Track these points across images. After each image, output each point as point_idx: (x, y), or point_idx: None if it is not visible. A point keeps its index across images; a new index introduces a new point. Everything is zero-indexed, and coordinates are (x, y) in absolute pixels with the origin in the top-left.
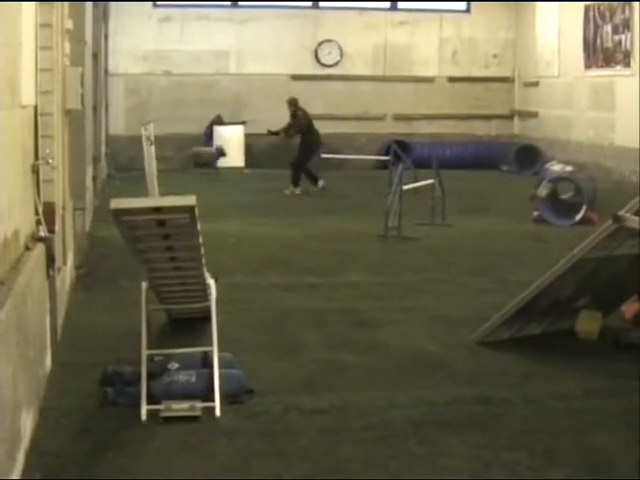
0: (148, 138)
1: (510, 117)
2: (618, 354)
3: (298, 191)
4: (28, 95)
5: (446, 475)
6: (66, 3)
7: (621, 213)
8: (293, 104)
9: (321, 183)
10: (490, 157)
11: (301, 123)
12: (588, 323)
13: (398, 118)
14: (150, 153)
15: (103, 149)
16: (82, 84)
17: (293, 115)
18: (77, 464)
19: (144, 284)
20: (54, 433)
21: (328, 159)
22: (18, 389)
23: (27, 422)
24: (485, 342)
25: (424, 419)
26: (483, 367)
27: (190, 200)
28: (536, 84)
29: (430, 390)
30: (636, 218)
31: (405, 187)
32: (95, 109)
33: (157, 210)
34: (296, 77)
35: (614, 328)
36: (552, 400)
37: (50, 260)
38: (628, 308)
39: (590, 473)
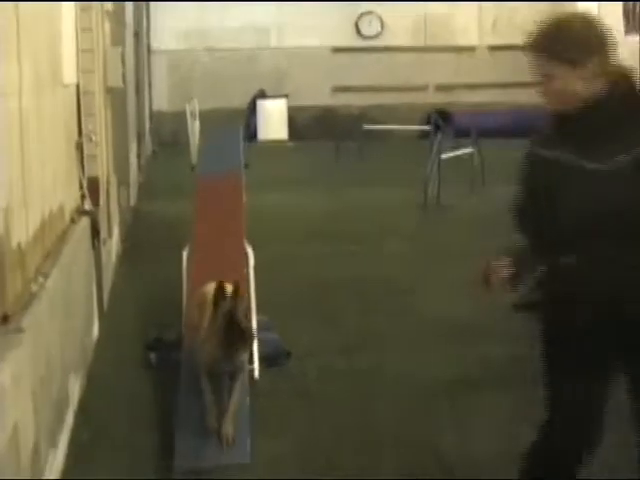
0: (192, 113)
1: None
2: None
3: None
4: (70, 74)
5: (475, 431)
6: None
7: None
8: None
9: None
10: (531, 125)
11: None
12: None
13: (439, 88)
14: (194, 128)
15: (147, 125)
16: (123, 63)
17: None
18: (122, 426)
19: (185, 253)
20: (100, 397)
21: (370, 130)
22: (66, 355)
23: (75, 386)
24: (519, 304)
25: (455, 379)
26: (515, 328)
27: None
28: None
29: (462, 351)
30: None
31: (444, 156)
32: (138, 86)
33: None
34: (337, 49)
35: None
36: None
37: (95, 232)
38: None
39: (617, 426)
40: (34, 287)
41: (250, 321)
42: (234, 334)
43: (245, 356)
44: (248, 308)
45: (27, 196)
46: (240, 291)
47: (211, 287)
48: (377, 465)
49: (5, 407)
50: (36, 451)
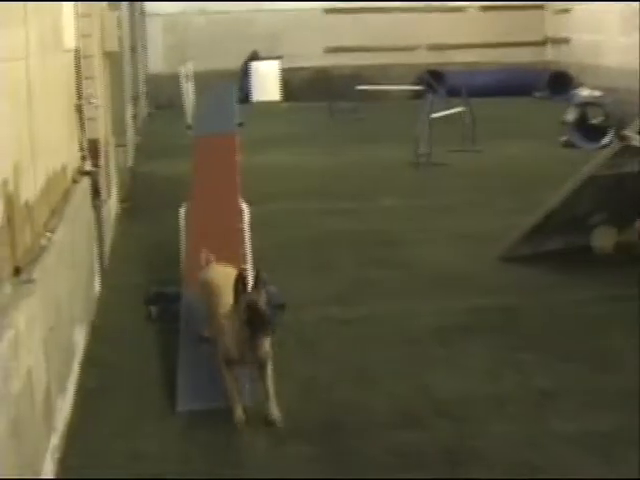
0: (187, 75)
1: (542, 44)
2: (632, 266)
3: None
4: (70, 39)
5: (462, 372)
6: None
7: (626, 132)
8: None
9: None
10: (523, 84)
11: None
12: (603, 238)
13: (432, 48)
14: (189, 89)
15: (143, 88)
16: (119, 27)
17: None
18: (126, 374)
19: (182, 210)
20: (105, 347)
21: (363, 91)
22: (73, 306)
23: (80, 337)
24: (508, 257)
25: (446, 325)
26: (504, 280)
27: None
28: (568, 10)
29: (453, 301)
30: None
31: (435, 115)
32: (133, 50)
33: None
34: (329, 10)
35: (628, 243)
36: (567, 307)
37: (95, 192)
38: None
39: (597, 369)
40: (43, 241)
41: (269, 309)
42: (257, 324)
43: (268, 345)
44: (268, 297)
45: (34, 155)
46: (261, 281)
47: (215, 272)
48: (372, 403)
49: (19, 353)
50: (48, 395)
